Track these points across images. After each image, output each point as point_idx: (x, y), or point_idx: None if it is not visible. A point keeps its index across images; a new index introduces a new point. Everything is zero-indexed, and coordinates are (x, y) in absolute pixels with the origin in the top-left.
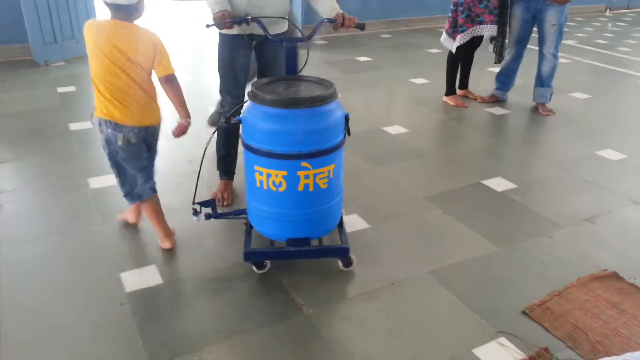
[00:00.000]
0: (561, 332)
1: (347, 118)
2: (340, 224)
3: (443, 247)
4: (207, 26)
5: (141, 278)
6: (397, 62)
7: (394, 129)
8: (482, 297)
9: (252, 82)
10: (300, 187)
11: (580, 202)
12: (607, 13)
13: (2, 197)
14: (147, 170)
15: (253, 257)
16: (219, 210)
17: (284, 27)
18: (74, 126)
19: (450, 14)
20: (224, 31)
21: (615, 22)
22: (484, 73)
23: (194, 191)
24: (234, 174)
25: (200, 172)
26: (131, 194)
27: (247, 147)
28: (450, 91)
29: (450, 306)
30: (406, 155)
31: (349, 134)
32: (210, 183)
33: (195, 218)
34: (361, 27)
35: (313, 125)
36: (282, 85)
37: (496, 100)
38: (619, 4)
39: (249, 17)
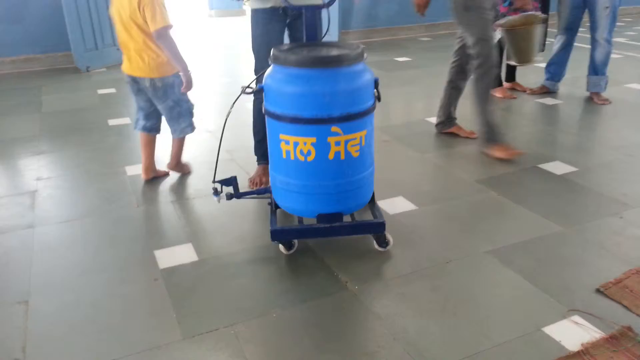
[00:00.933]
0: None
1: (376, 82)
2: (372, 200)
3: (502, 227)
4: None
5: (176, 255)
6: (438, 62)
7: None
8: (549, 276)
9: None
10: (331, 155)
11: None
12: None
13: (38, 183)
14: (144, 111)
15: (280, 235)
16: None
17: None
18: (112, 122)
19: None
20: (257, 5)
21: None
22: (531, 69)
23: (214, 169)
24: None
25: (233, 157)
26: (135, 123)
27: (271, 115)
28: (496, 83)
29: (514, 284)
30: (452, 143)
31: (379, 100)
32: (250, 172)
33: (215, 198)
34: None
35: (342, 86)
36: (305, 49)
37: (547, 91)
38: None
39: None
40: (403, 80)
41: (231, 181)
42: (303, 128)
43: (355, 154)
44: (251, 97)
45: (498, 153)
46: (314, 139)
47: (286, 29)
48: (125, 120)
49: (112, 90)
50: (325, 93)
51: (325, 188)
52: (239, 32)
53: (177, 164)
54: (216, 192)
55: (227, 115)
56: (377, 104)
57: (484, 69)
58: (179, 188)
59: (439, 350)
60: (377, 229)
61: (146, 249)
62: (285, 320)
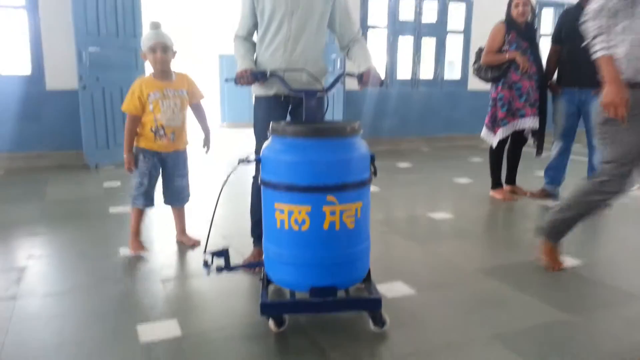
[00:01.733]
0: None
1: (373, 157)
2: (368, 278)
3: (506, 313)
4: (226, 80)
5: (159, 330)
6: (438, 168)
7: (439, 215)
8: None
9: None
10: (326, 225)
11: None
12: None
13: (29, 261)
14: (151, 187)
15: (270, 309)
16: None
17: (319, 86)
18: (113, 210)
19: (489, 109)
20: (260, 92)
21: None
22: (530, 177)
23: (206, 240)
24: None
25: (229, 242)
26: (141, 199)
27: (267, 185)
28: (496, 185)
29: None
30: (454, 235)
31: (375, 174)
32: (246, 256)
33: (205, 270)
34: (382, 83)
35: (339, 155)
36: (304, 124)
37: (547, 195)
38: None
39: (268, 72)
40: (404, 182)
41: (223, 253)
42: (298, 196)
43: (351, 226)
44: (250, 181)
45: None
46: (308, 208)
47: (288, 116)
48: (126, 209)
49: (118, 183)
50: (322, 162)
51: (319, 259)
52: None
53: (185, 234)
54: (206, 265)
55: (223, 185)
56: (378, 191)
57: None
58: (171, 268)
59: None
60: (373, 305)
61: (129, 323)
62: None
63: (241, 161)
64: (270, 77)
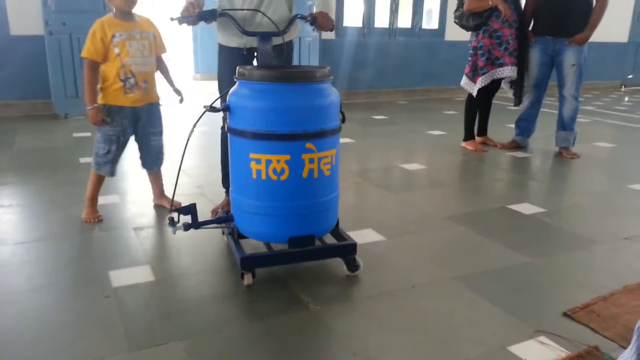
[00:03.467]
0: (612, 333)
1: (341, 104)
2: (337, 226)
3: (470, 257)
4: (172, 19)
5: (131, 275)
6: (414, 119)
7: (412, 166)
8: (516, 301)
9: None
10: (305, 174)
11: (616, 224)
12: (622, 89)
13: None
14: (118, 153)
15: (251, 263)
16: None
17: (288, 35)
18: (84, 159)
19: (469, 58)
20: (222, 41)
21: (632, 95)
22: (502, 128)
23: (172, 195)
24: None
25: (203, 191)
26: (106, 167)
27: (238, 133)
28: (468, 136)
29: (480, 307)
30: (425, 185)
31: (343, 121)
32: (216, 204)
33: (171, 229)
34: (332, 29)
35: (317, 101)
36: (273, 68)
37: (517, 146)
38: (633, 80)
39: (218, 11)
40: (379, 134)
41: (190, 209)
42: (277, 145)
43: (327, 173)
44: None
45: None
46: (288, 157)
47: None
48: None
49: (88, 134)
50: (302, 107)
51: (297, 209)
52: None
53: (164, 196)
54: (172, 223)
55: (190, 134)
56: (353, 143)
57: None
58: (143, 216)
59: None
60: (349, 250)
61: (101, 269)
62: (240, 336)
63: (207, 108)
64: (219, 16)
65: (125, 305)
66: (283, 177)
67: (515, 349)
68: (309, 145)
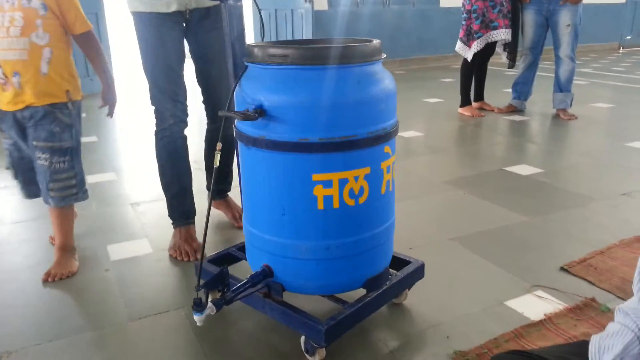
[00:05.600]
0: (609, 285)
1: None
2: None
3: (467, 218)
4: None
5: (130, 249)
6: (411, 88)
7: (409, 134)
8: (513, 258)
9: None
10: (383, 189)
11: (614, 182)
12: (620, 51)
13: None
14: (22, 171)
15: (337, 332)
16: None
17: None
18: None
19: (463, 22)
20: (146, 7)
21: (630, 56)
22: (499, 93)
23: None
24: (195, 213)
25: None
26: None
27: (292, 148)
28: (465, 102)
29: (477, 266)
30: (423, 152)
31: None
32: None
33: (197, 317)
34: None
35: (392, 86)
36: (310, 43)
37: (514, 110)
38: (631, 42)
39: None
40: None
41: (222, 278)
42: (356, 156)
43: (395, 181)
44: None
45: None
46: (367, 169)
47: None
48: (93, 139)
49: (83, 114)
50: (382, 97)
51: (377, 239)
52: None
53: (65, 252)
54: (199, 306)
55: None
56: None
57: None
58: (140, 192)
59: (400, 322)
60: (420, 273)
61: (100, 244)
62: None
63: (226, 114)
64: None
65: (124, 278)
66: (362, 200)
67: (512, 303)
68: (386, 148)
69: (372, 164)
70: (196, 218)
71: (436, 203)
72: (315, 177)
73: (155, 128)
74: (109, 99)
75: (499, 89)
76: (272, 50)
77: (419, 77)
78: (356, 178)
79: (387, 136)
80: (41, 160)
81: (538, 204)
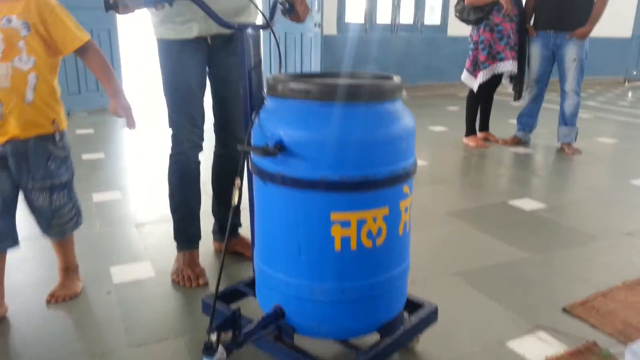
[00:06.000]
0: (611, 329)
1: None
2: None
3: (469, 253)
4: (107, 9)
5: (132, 271)
6: (416, 115)
7: None
8: (515, 296)
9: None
10: (401, 230)
11: (617, 219)
12: (626, 84)
13: None
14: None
15: None
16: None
17: (249, 16)
18: (86, 156)
19: (470, 52)
20: (170, 35)
21: (635, 90)
22: (503, 124)
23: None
24: (201, 237)
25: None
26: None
27: (310, 185)
28: (470, 132)
29: (478, 302)
30: (427, 181)
31: None
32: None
33: None
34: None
35: (412, 123)
36: (324, 79)
37: (518, 142)
38: (637, 76)
39: None
40: None
41: (234, 320)
42: (375, 196)
43: (411, 222)
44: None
45: None
46: (386, 210)
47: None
48: (100, 155)
49: (91, 130)
50: (403, 135)
51: (393, 282)
52: None
53: (69, 274)
54: (209, 350)
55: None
56: None
57: None
58: (145, 213)
59: (397, 358)
60: (433, 317)
61: (103, 265)
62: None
63: (246, 149)
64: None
65: (126, 302)
66: (379, 241)
67: (513, 344)
68: (405, 188)
69: (390, 204)
70: (209, 253)
71: (438, 235)
72: (334, 216)
73: (170, 151)
74: (123, 106)
75: (504, 120)
76: (294, 85)
77: (424, 105)
78: (374, 219)
79: (406, 176)
80: (39, 201)
81: (541, 241)
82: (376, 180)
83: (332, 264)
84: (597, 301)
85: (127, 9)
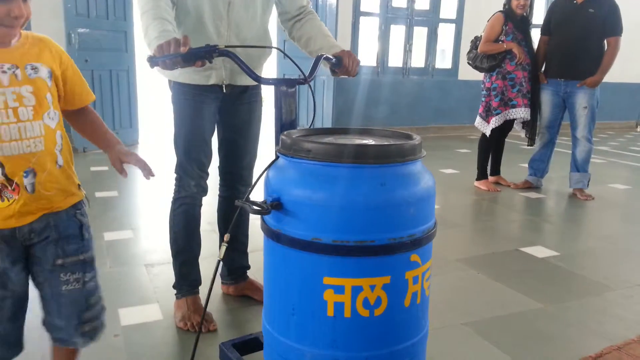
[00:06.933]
0: None
1: None
2: None
3: (480, 302)
4: (152, 64)
5: (140, 314)
6: (427, 157)
7: None
8: (527, 349)
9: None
10: (407, 301)
11: (631, 270)
12: (638, 129)
13: None
14: (13, 307)
15: None
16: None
17: (266, 42)
18: (99, 194)
19: (483, 99)
20: (186, 79)
21: None
22: (515, 168)
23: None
24: (201, 283)
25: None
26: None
27: (304, 246)
28: (482, 176)
29: (490, 355)
30: (438, 225)
31: None
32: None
33: None
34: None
35: (425, 188)
36: (338, 137)
37: (530, 186)
38: None
39: (217, 47)
40: None
41: (250, 345)
42: (373, 263)
43: (428, 292)
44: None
45: None
46: (387, 279)
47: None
48: (113, 193)
49: (105, 167)
50: (409, 200)
51: (397, 356)
52: None
53: None
54: None
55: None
56: None
57: None
58: (155, 252)
59: None
60: None
61: (111, 306)
62: None
63: (243, 204)
64: (217, 55)
65: (133, 345)
66: (378, 311)
67: None
68: (414, 257)
69: (393, 273)
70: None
71: (449, 283)
72: (327, 280)
73: (174, 195)
74: (136, 159)
75: (515, 164)
76: (297, 143)
77: (435, 146)
78: (372, 287)
79: (414, 243)
80: (70, 285)
81: (553, 291)
82: (373, 247)
83: (324, 329)
84: (612, 355)
85: (166, 67)
